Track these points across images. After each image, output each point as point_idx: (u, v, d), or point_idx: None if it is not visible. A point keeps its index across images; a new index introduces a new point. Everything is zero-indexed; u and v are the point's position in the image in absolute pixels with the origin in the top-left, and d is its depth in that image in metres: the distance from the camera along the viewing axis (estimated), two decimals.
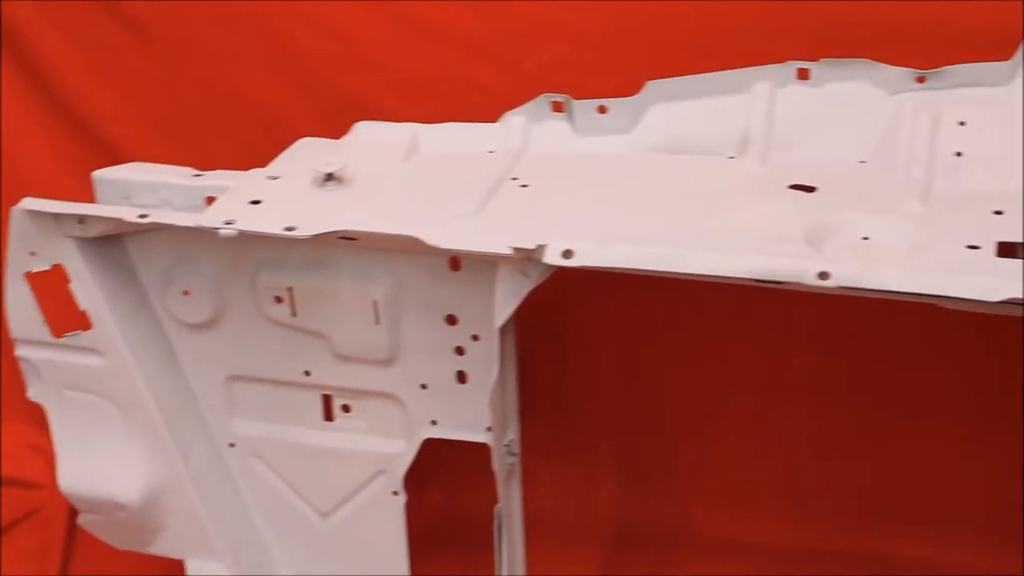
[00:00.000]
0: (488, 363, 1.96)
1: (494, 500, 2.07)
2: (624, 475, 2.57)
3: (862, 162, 1.98)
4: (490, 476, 2.06)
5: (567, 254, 1.76)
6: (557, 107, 2.11)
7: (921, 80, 1.95)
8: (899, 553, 2.43)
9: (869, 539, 2.45)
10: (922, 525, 2.42)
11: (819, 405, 2.44)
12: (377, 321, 2.01)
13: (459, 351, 2.03)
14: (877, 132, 1.98)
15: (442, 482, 2.57)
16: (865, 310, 2.07)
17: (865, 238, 1.77)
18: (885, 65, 1.95)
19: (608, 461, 2.57)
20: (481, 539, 2.26)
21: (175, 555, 2.24)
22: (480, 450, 2.09)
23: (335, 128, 2.19)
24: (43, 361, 2.11)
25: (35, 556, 2.61)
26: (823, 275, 1.66)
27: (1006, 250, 1.68)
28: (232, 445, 2.21)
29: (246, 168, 2.10)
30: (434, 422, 2.10)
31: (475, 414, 2.05)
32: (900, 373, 2.36)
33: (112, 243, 2.03)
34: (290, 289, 2.03)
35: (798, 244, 1.74)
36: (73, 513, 2.37)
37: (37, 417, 2.62)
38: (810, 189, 1.90)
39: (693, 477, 2.54)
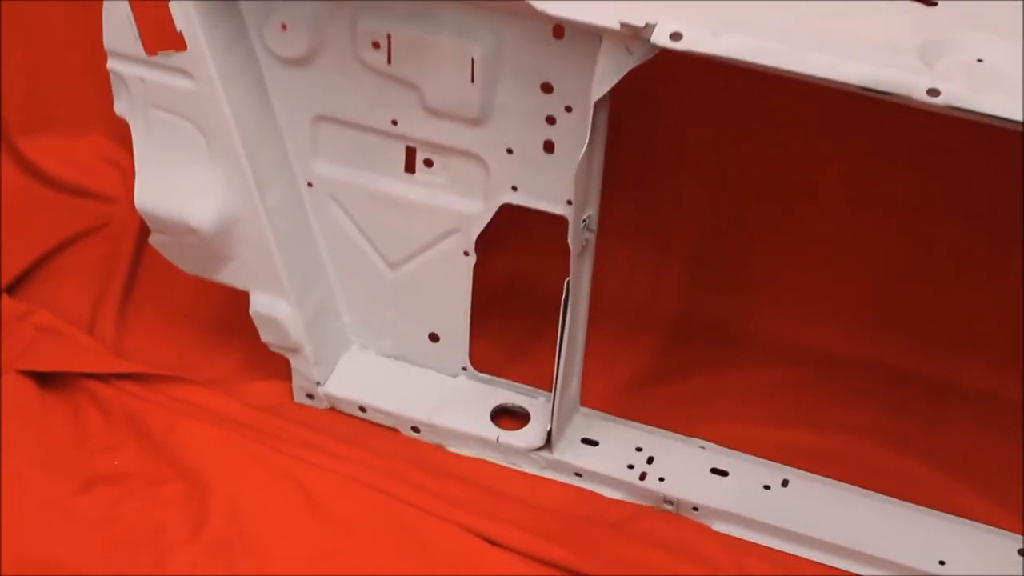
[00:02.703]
0: (578, 136, 1.94)
1: (563, 273, 2.07)
2: (696, 267, 2.55)
3: None
4: (562, 249, 2.06)
5: (675, 36, 1.72)
6: None
7: None
8: (966, 383, 2.42)
9: (940, 365, 2.43)
10: (1000, 361, 2.40)
11: (910, 225, 2.40)
12: (472, 79, 1.99)
13: (550, 120, 2.01)
14: None
15: (513, 250, 2.57)
16: (970, 135, 2.03)
17: (980, 60, 1.72)
18: None
19: (682, 251, 2.55)
20: (544, 310, 2.27)
21: (241, 286, 2.27)
22: (556, 223, 2.08)
23: None
24: (133, 77, 2.10)
25: (100, 269, 2.64)
26: (933, 92, 1.63)
27: None
28: (310, 185, 2.22)
29: None
30: (515, 188, 2.09)
31: (557, 186, 2.04)
32: (999, 205, 2.32)
33: None
34: (389, 36, 2.00)
35: (911, 58, 1.70)
36: (144, 231, 2.39)
37: (118, 132, 2.64)
38: (931, 3, 1.85)
39: (766, 279, 2.52)
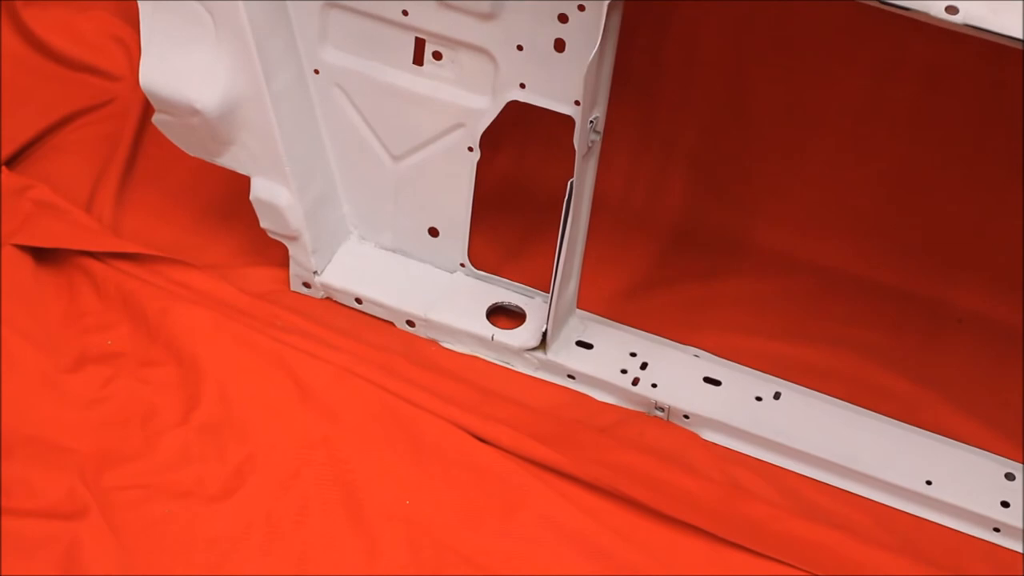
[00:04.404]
0: (590, 36, 1.92)
1: (566, 175, 2.06)
2: (699, 176, 2.53)
3: None
4: (567, 150, 2.04)
5: None
6: None
7: None
8: (964, 305, 2.41)
9: (939, 286, 2.42)
10: (998, 285, 2.40)
11: (916, 144, 2.38)
12: None
13: (562, 19, 1.98)
14: None
15: (518, 148, 2.55)
16: (980, 55, 2.01)
17: None
18: None
19: (686, 159, 2.53)
20: (545, 211, 2.27)
21: (242, 171, 2.25)
22: (562, 123, 2.07)
23: None
24: None
25: (101, 147, 2.61)
26: (951, 9, 1.62)
27: None
28: (317, 72, 2.19)
29: None
30: (523, 85, 2.07)
31: (566, 85, 2.03)
32: (1006, 127, 2.30)
33: None
34: None
35: None
36: (147, 111, 2.37)
37: (124, 9, 2.62)
38: None
39: (768, 191, 2.50)
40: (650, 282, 2.43)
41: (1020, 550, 2.06)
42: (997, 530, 2.06)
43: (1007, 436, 2.19)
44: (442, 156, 2.22)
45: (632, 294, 2.40)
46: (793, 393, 2.21)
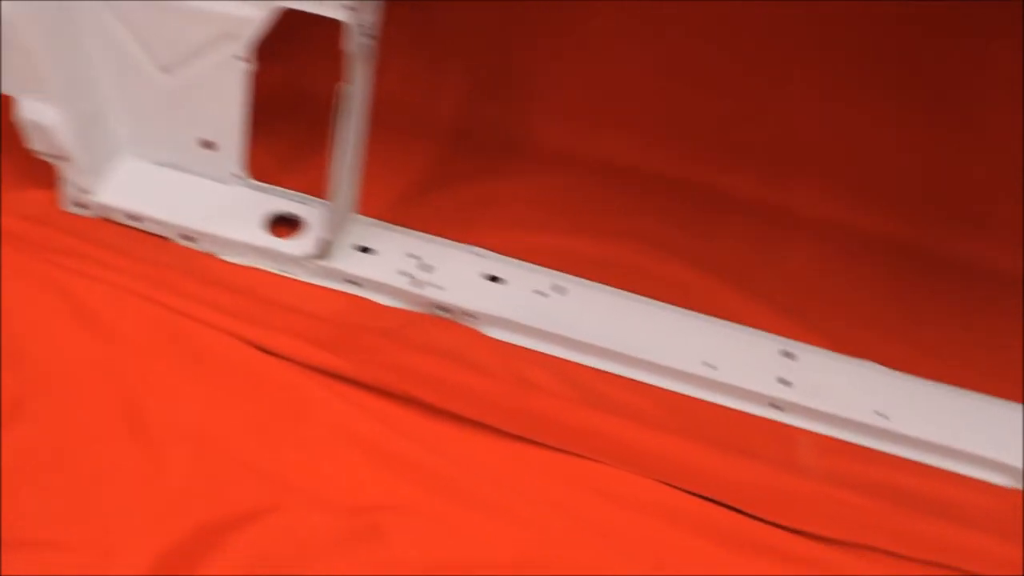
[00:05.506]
0: None
1: (343, 80, 2.04)
2: (477, 75, 2.52)
3: None
4: (340, 56, 2.02)
5: None
6: None
7: None
8: (737, 190, 2.46)
9: (709, 171, 2.47)
10: (768, 166, 2.44)
11: (693, 34, 2.40)
12: None
13: None
14: None
15: (291, 56, 2.52)
16: None
17: None
18: None
19: (463, 58, 2.52)
20: (322, 118, 2.24)
21: (6, 91, 2.18)
22: (335, 28, 2.04)
23: None
24: None
25: None
26: None
27: None
28: None
29: None
30: None
31: None
32: (791, 13, 2.33)
33: None
34: None
35: None
36: None
37: None
38: None
39: (548, 90, 2.51)
40: (430, 184, 2.43)
41: (798, 424, 2.12)
42: (777, 407, 2.12)
43: (785, 313, 2.25)
44: (212, 67, 2.17)
45: (412, 197, 2.40)
46: (575, 286, 2.23)
